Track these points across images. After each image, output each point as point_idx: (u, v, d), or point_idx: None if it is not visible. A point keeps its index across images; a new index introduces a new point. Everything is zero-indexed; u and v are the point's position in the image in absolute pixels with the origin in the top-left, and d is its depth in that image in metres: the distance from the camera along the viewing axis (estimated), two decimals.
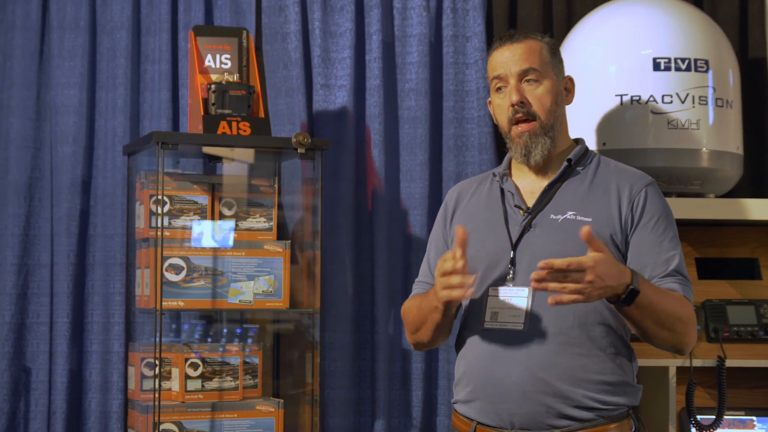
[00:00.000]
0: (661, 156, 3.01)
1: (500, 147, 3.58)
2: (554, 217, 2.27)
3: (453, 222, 2.43)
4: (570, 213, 2.26)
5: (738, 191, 3.43)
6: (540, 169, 2.36)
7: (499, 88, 2.35)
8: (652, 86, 3.03)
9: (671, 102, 3.03)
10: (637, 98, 3.04)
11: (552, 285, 2.04)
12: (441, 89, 3.58)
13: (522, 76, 2.32)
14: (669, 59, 3.05)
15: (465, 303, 2.37)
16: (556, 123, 2.33)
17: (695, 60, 3.06)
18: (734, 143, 3.13)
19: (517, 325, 2.23)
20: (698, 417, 2.96)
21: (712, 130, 3.06)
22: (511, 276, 2.26)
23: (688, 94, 3.04)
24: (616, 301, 2.12)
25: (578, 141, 2.41)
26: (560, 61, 2.40)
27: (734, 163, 3.14)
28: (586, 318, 2.23)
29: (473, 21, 3.56)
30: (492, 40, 3.57)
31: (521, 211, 2.31)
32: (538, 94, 2.31)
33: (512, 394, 2.22)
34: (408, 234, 3.54)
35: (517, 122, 2.32)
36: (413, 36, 3.57)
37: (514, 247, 2.27)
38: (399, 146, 3.57)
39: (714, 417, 2.96)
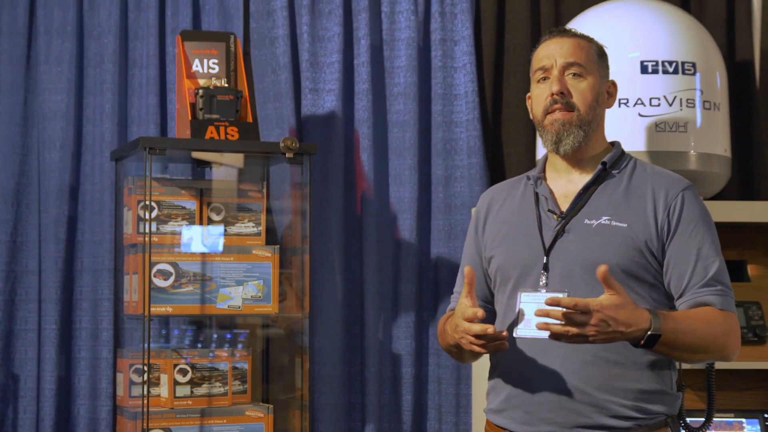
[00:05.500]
0: (649, 159, 3.01)
1: (489, 151, 3.59)
2: (588, 221, 2.22)
3: (486, 228, 2.37)
4: (605, 218, 2.21)
5: (726, 193, 3.43)
6: (575, 171, 2.30)
7: (541, 79, 2.29)
8: (640, 89, 3.03)
9: (659, 105, 3.03)
10: (625, 101, 3.04)
11: (555, 327, 2.01)
12: (429, 93, 3.58)
13: (566, 68, 2.27)
14: (656, 62, 3.05)
15: (499, 310, 2.32)
16: (593, 121, 2.28)
17: (683, 63, 3.06)
18: (722, 146, 3.14)
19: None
20: (687, 419, 2.94)
21: (700, 132, 3.06)
22: (544, 282, 2.21)
23: (675, 97, 3.04)
24: (636, 345, 2.08)
25: (614, 144, 2.36)
26: (607, 66, 2.35)
27: (722, 165, 3.14)
28: None
29: (461, 24, 3.56)
30: (480, 43, 3.61)
31: (555, 216, 2.25)
32: (580, 88, 2.26)
33: (548, 403, 2.17)
34: (397, 238, 3.53)
35: (554, 111, 2.26)
36: (401, 40, 3.57)
37: (547, 252, 2.22)
38: (388, 150, 3.57)
39: (703, 419, 2.95)
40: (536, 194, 2.31)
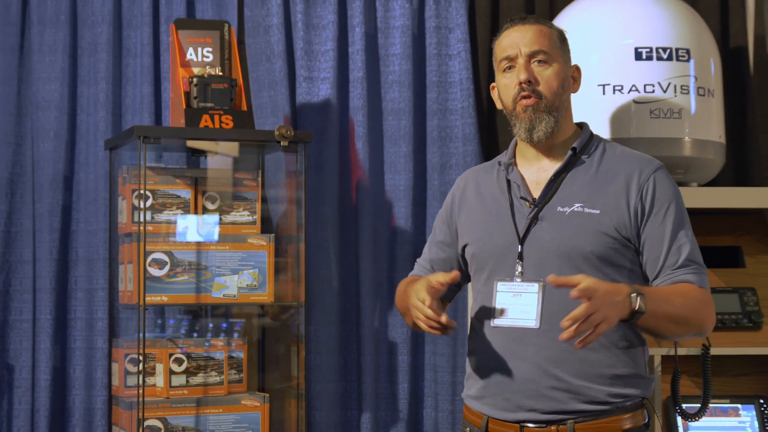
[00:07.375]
0: (643, 145, 3.01)
1: (484, 138, 3.59)
2: (561, 209, 2.24)
3: (461, 213, 2.40)
4: (577, 205, 2.23)
5: (720, 180, 3.44)
6: (545, 157, 2.32)
7: (507, 68, 2.31)
8: (635, 76, 3.04)
9: (653, 91, 3.03)
10: (620, 88, 3.04)
11: (590, 339, 2.01)
12: (424, 80, 3.58)
13: (532, 57, 2.28)
14: (651, 49, 3.05)
15: (476, 297, 2.34)
16: (561, 106, 2.30)
17: (677, 49, 3.06)
18: (716, 132, 3.14)
19: (528, 322, 2.20)
20: (683, 405, 2.95)
21: (694, 119, 3.07)
22: (519, 271, 2.23)
23: (670, 84, 3.04)
24: (631, 317, 2.09)
25: (582, 126, 2.38)
26: (568, 51, 2.37)
27: (716, 151, 3.15)
28: None
29: (456, 12, 3.56)
30: (475, 31, 3.61)
31: (527, 203, 2.27)
32: (546, 76, 2.28)
33: (525, 391, 2.20)
34: (393, 226, 3.53)
35: (522, 99, 2.28)
36: (396, 27, 3.56)
37: (522, 241, 2.24)
38: (383, 138, 3.57)
39: (699, 405, 2.96)
40: (508, 181, 2.34)
